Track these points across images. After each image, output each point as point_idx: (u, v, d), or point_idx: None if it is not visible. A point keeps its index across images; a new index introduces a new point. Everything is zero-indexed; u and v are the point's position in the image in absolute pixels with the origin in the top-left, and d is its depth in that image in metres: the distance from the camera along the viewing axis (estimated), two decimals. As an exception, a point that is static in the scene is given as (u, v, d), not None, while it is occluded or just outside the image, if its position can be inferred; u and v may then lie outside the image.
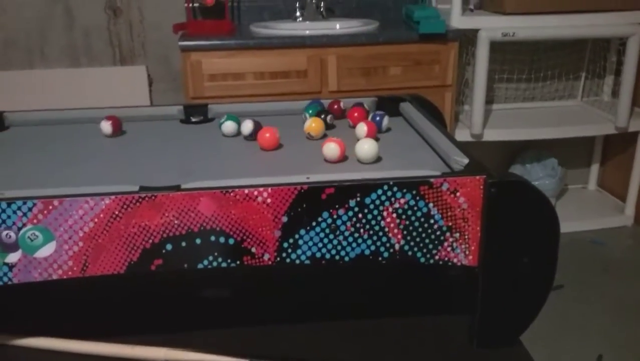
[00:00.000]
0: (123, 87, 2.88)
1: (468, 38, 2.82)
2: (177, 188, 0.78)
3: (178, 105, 1.24)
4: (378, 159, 0.97)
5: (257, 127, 1.08)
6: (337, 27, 2.67)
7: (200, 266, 0.80)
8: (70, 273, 0.78)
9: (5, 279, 0.77)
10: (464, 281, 1.04)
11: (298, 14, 2.81)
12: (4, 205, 0.74)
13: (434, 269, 1.03)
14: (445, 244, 0.82)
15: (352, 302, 0.99)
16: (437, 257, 0.83)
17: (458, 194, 0.80)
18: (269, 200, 0.78)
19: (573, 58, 3.13)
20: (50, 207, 0.75)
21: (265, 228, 0.79)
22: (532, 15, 2.62)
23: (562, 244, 2.68)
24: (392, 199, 0.79)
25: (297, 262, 0.81)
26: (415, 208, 0.80)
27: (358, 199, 0.79)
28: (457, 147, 0.91)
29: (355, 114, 1.16)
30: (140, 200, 0.76)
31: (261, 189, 0.78)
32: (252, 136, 1.07)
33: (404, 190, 0.79)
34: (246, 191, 0.78)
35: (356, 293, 1.01)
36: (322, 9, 2.82)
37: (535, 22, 2.62)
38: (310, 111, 1.17)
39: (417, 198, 0.80)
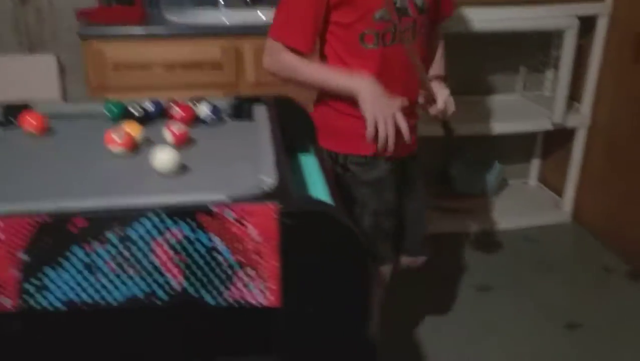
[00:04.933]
0: (31, 77, 2.67)
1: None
2: None
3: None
4: (184, 171, 0.82)
5: None
6: (261, 15, 2.50)
7: None
8: None
9: None
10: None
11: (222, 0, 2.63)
12: None
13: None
14: (237, 282, 0.67)
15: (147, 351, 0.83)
16: (229, 298, 0.67)
17: (247, 224, 0.64)
18: (1, 235, 0.62)
19: (512, 52, 3.01)
20: None
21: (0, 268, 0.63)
22: (477, 8, 2.48)
23: (497, 241, 2.51)
24: (163, 230, 0.64)
25: (50, 308, 0.65)
26: (196, 241, 0.65)
27: (118, 231, 0.63)
28: (275, 162, 0.75)
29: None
30: None
31: (-12, 220, 0.61)
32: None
33: (177, 219, 0.63)
34: (-31, 222, 0.61)
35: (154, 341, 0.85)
36: (248, -4, 2.64)
37: (480, 16, 2.49)
38: (115, 110, 1.02)
39: (196, 229, 0.64)
